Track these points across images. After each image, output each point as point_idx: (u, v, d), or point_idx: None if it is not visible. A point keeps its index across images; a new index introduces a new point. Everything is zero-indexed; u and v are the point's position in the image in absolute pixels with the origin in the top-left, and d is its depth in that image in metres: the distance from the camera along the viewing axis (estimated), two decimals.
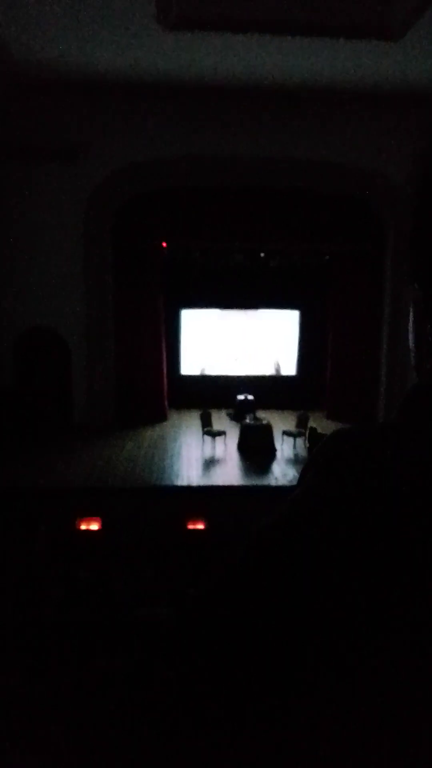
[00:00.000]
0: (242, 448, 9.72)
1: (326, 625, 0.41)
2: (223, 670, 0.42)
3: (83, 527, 7.88)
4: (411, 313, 0.57)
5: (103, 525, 7.87)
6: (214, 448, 9.75)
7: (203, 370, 12.41)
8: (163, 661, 0.46)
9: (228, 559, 0.47)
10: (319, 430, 9.61)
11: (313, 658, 0.41)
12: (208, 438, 9.85)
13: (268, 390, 12.02)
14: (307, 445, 9.77)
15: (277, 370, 12.58)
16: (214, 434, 9.82)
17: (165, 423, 11.18)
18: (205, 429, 9.90)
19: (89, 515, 7.91)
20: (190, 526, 7.93)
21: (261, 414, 10.77)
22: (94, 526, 7.91)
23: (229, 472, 8.91)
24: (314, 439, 9.51)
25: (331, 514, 0.45)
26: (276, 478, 8.72)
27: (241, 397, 11.40)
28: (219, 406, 11.34)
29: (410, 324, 0.58)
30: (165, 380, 11.45)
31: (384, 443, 0.48)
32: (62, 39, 7.71)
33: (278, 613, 0.43)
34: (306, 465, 0.53)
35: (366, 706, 0.40)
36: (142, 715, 0.42)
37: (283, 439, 9.93)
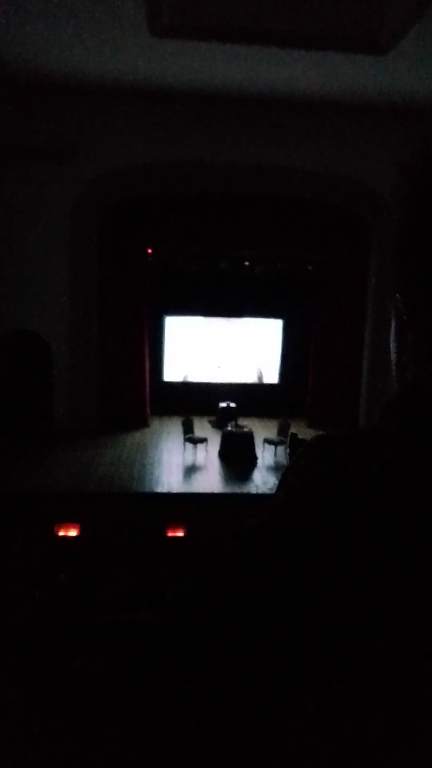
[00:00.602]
0: (223, 455, 9.71)
1: (309, 627, 0.41)
2: (200, 675, 0.42)
3: (62, 533, 7.80)
4: (393, 324, 0.57)
5: (82, 531, 7.79)
6: (195, 455, 9.73)
7: (186, 376, 12.40)
8: (144, 665, 0.45)
9: (210, 561, 0.47)
10: (300, 437, 9.65)
11: (296, 661, 0.41)
12: (189, 445, 9.83)
13: (251, 398, 12.06)
14: (288, 451, 9.81)
15: (260, 378, 12.63)
16: (196, 441, 9.80)
17: (146, 429, 11.13)
18: (187, 436, 9.88)
19: (68, 521, 7.83)
20: (170, 533, 7.88)
21: (243, 421, 10.79)
22: (73, 532, 7.83)
23: (210, 479, 8.90)
24: (294, 445, 9.56)
25: (313, 517, 0.45)
26: (257, 486, 8.72)
27: (223, 404, 11.41)
28: (201, 413, 11.33)
29: (392, 334, 0.58)
30: (147, 386, 11.42)
31: (365, 448, 0.48)
32: (52, 43, 7.71)
33: (261, 615, 0.43)
34: (287, 469, 0.53)
35: (356, 712, 0.40)
36: (129, 720, 0.42)
37: (264, 447, 9.95)
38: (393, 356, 0.58)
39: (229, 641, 0.42)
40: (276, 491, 0.52)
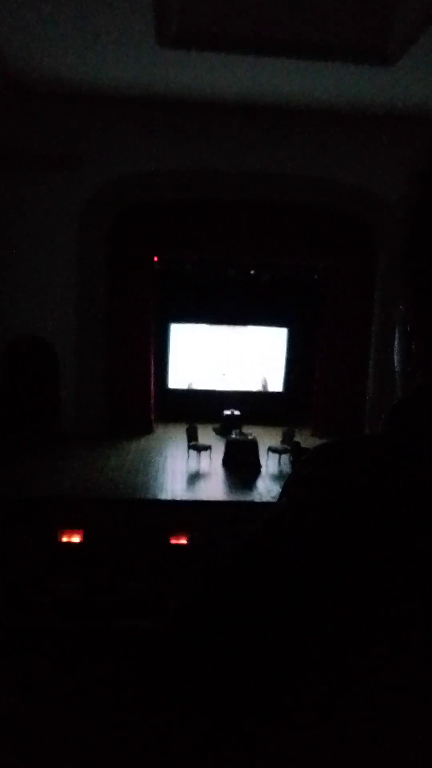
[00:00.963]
0: (227, 463, 9.69)
1: (310, 629, 0.42)
2: (202, 675, 0.42)
3: (65, 539, 7.79)
4: (397, 333, 0.58)
5: (86, 536, 7.78)
6: (199, 462, 9.71)
7: (191, 384, 12.40)
8: (146, 667, 0.45)
9: (213, 566, 0.48)
10: (303, 445, 9.62)
11: (297, 662, 0.41)
12: (193, 452, 9.82)
13: (255, 406, 12.04)
14: (291, 459, 9.78)
15: (264, 387, 12.61)
16: (200, 448, 9.79)
17: (151, 436, 11.13)
18: (191, 443, 9.87)
19: (72, 527, 7.82)
20: (173, 541, 7.86)
21: (247, 429, 10.77)
22: (76, 539, 7.82)
23: (214, 487, 8.88)
24: (297, 454, 9.54)
25: (314, 521, 0.45)
26: (260, 494, 8.70)
27: (227, 412, 11.40)
28: (205, 421, 11.31)
29: (396, 343, 0.58)
30: (152, 393, 11.43)
31: (367, 452, 0.49)
32: (60, 51, 7.80)
33: (262, 615, 0.43)
34: (290, 476, 0.53)
35: (357, 712, 0.40)
36: (132, 721, 0.43)
37: (268, 455, 9.93)
38: (397, 367, 0.58)
39: (231, 642, 0.43)
40: (279, 498, 0.52)
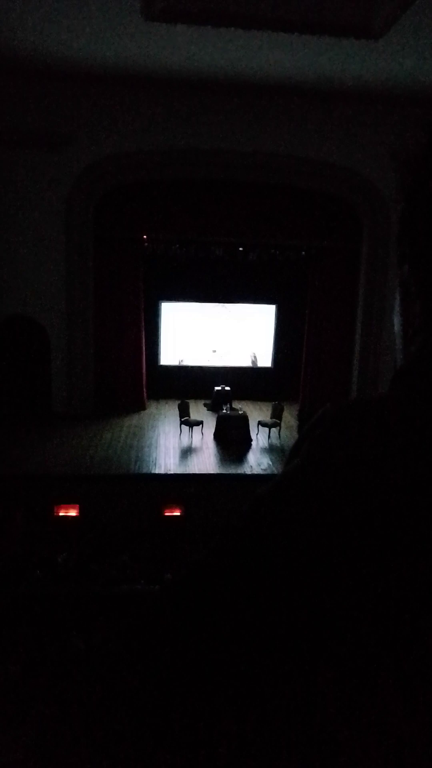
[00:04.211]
0: (218, 437, 9.90)
1: (321, 592, 0.41)
2: (218, 639, 0.41)
3: (62, 513, 7.98)
4: (398, 296, 0.56)
5: (81, 511, 7.97)
6: (191, 437, 9.91)
7: (181, 361, 12.54)
8: (153, 634, 0.44)
9: (222, 528, 0.47)
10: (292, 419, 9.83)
11: (308, 635, 0.40)
12: (185, 427, 10.00)
13: (245, 381, 12.24)
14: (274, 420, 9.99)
15: (254, 362, 12.78)
16: (191, 424, 9.97)
17: (143, 412, 11.29)
18: (183, 418, 10.05)
19: (67, 502, 8.00)
20: (167, 513, 8.09)
21: (237, 404, 10.96)
22: (72, 513, 8.01)
23: (206, 461, 9.09)
24: (278, 413, 10.09)
25: (330, 481, 0.44)
26: (251, 467, 8.93)
27: (218, 387, 11.57)
28: (196, 397, 11.50)
29: (397, 307, 0.56)
30: (144, 370, 11.55)
31: (378, 415, 0.48)
32: (44, 27, 7.68)
33: (274, 582, 0.42)
34: (301, 437, 0.51)
35: (367, 695, 0.39)
36: (132, 694, 0.42)
37: (258, 429, 10.14)
38: (397, 329, 0.56)
39: (240, 610, 0.42)
40: (288, 461, 0.51)
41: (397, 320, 0.56)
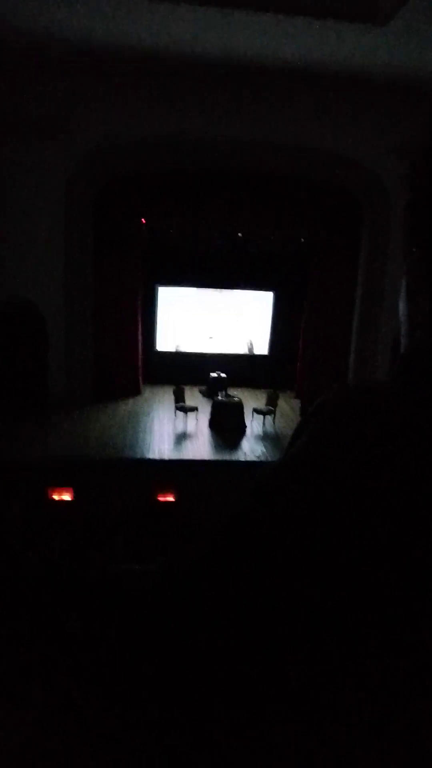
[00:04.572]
0: (213, 424, 9.93)
1: (329, 573, 0.41)
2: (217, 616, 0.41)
3: (56, 497, 8.01)
4: (405, 281, 0.55)
5: (76, 496, 8.00)
6: (186, 423, 9.93)
7: (178, 346, 12.52)
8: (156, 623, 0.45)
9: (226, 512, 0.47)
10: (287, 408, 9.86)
11: (312, 613, 0.40)
12: (180, 413, 10.02)
13: (241, 368, 12.24)
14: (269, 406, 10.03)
15: (250, 350, 12.78)
16: (187, 410, 9.99)
17: (139, 397, 11.30)
18: (178, 404, 10.06)
19: (61, 486, 8.03)
20: (161, 498, 8.13)
21: (233, 391, 10.98)
22: (67, 497, 8.05)
23: (200, 447, 9.12)
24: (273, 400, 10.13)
25: (333, 465, 0.44)
26: (245, 454, 8.97)
27: (214, 374, 11.58)
28: (192, 383, 11.50)
29: (403, 291, 0.56)
30: (140, 355, 11.54)
31: (384, 400, 0.48)
32: (39, 7, 7.53)
33: (279, 564, 0.42)
34: (301, 422, 0.52)
35: (367, 698, 0.39)
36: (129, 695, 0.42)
37: (253, 417, 10.17)
38: (403, 316, 0.56)
39: (246, 593, 0.42)
40: (289, 445, 0.51)
41: (402, 306, 0.56)
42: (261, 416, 10.18)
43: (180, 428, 9.81)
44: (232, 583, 0.43)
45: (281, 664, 0.39)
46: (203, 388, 11.66)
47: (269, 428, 10.08)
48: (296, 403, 11.22)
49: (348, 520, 0.42)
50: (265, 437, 9.72)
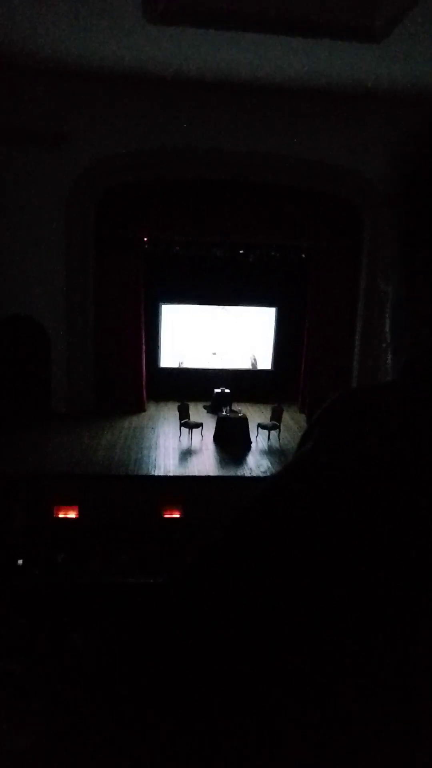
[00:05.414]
0: (218, 439, 9.89)
1: (340, 571, 0.40)
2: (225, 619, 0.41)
3: (61, 515, 7.95)
4: (405, 281, 0.54)
5: (80, 512, 7.95)
6: (190, 439, 9.90)
7: (181, 362, 12.53)
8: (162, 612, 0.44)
9: (236, 511, 0.47)
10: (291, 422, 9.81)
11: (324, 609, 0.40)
12: (185, 429, 9.99)
13: (245, 383, 12.22)
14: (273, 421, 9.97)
15: (254, 365, 12.77)
16: (191, 425, 9.96)
17: (143, 414, 11.28)
18: (183, 420, 10.04)
19: (66, 503, 7.98)
20: (167, 515, 8.07)
21: (237, 407, 10.95)
22: (72, 514, 7.99)
23: (205, 463, 9.08)
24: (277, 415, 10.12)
25: (342, 464, 0.44)
26: (250, 469, 8.91)
27: (217, 390, 11.56)
28: (196, 399, 11.47)
29: (403, 292, 0.55)
30: (144, 371, 11.55)
31: (391, 401, 0.48)
32: (45, 26, 7.68)
33: (280, 563, 0.42)
34: (312, 423, 0.52)
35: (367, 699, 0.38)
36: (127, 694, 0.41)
37: (258, 432, 10.13)
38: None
39: (252, 589, 0.41)
40: (300, 445, 0.51)
41: (401, 306, 0.55)
42: (266, 431, 10.13)
43: (185, 444, 9.77)
44: (233, 583, 0.42)
45: (282, 664, 0.39)
46: (207, 403, 11.63)
47: (274, 443, 10.03)
48: (302, 418, 11.18)
49: (352, 519, 0.42)
50: (271, 452, 9.67)
